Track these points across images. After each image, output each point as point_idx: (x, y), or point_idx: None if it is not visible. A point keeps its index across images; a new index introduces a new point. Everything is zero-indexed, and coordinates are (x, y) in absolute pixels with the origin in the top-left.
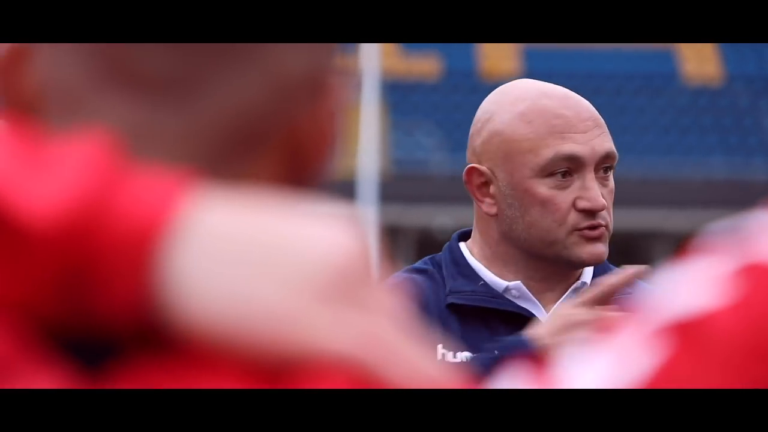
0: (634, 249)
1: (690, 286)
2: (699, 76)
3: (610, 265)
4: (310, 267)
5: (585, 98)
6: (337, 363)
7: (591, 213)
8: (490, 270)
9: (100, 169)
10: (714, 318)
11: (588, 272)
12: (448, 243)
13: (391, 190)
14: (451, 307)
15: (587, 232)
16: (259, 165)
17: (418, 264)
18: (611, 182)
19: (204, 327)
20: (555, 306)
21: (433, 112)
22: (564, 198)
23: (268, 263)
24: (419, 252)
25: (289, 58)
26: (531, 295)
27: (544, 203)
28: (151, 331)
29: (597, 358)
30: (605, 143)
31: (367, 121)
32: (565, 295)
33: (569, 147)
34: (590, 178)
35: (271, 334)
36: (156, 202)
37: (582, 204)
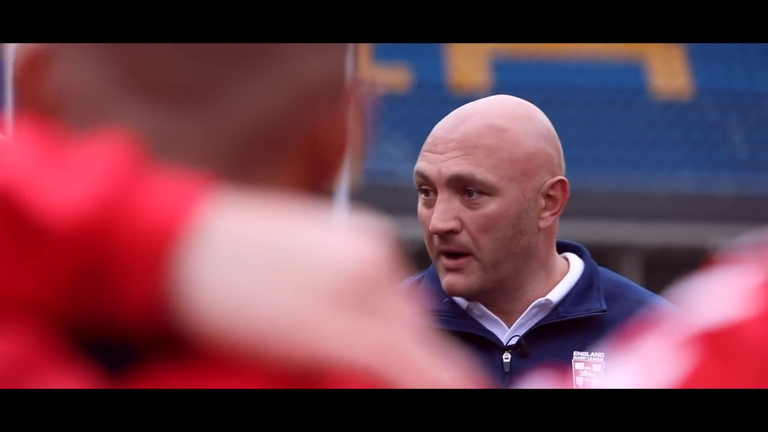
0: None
1: (717, 298)
2: (668, 90)
3: (628, 286)
4: (326, 274)
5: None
6: (350, 371)
7: (440, 235)
8: None
9: (120, 171)
10: (742, 328)
11: (559, 289)
12: None
13: (360, 201)
14: None
15: (444, 260)
16: (278, 170)
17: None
18: (483, 208)
19: (219, 331)
20: (516, 322)
21: (403, 124)
22: (428, 217)
23: (285, 269)
24: None
25: (310, 62)
26: (491, 313)
27: (421, 221)
28: (169, 335)
29: (624, 368)
30: (454, 166)
31: None
32: (526, 311)
33: (419, 165)
34: (440, 199)
35: (286, 340)
36: (175, 205)
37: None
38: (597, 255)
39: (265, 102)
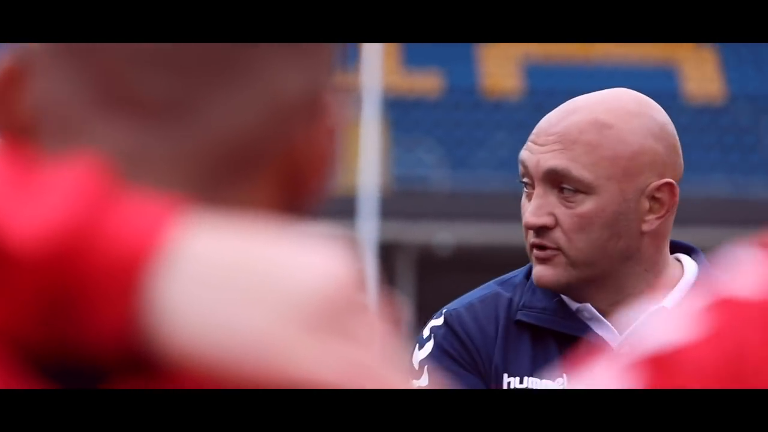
0: None
1: (663, 323)
2: (701, 95)
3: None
4: (298, 295)
5: None
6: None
7: (534, 230)
8: None
9: (89, 194)
10: (686, 350)
11: (674, 295)
12: None
13: (392, 207)
14: (520, 323)
15: (535, 252)
16: (255, 187)
17: (506, 276)
18: (578, 206)
19: (189, 353)
20: (629, 330)
21: (435, 129)
22: (526, 209)
23: (256, 290)
24: (419, 268)
25: (286, 78)
26: (601, 316)
27: (522, 212)
28: (138, 358)
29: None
30: (551, 160)
31: (368, 137)
32: (641, 318)
33: (521, 153)
34: (536, 194)
35: (256, 362)
36: (145, 227)
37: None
38: None
39: (242, 118)
